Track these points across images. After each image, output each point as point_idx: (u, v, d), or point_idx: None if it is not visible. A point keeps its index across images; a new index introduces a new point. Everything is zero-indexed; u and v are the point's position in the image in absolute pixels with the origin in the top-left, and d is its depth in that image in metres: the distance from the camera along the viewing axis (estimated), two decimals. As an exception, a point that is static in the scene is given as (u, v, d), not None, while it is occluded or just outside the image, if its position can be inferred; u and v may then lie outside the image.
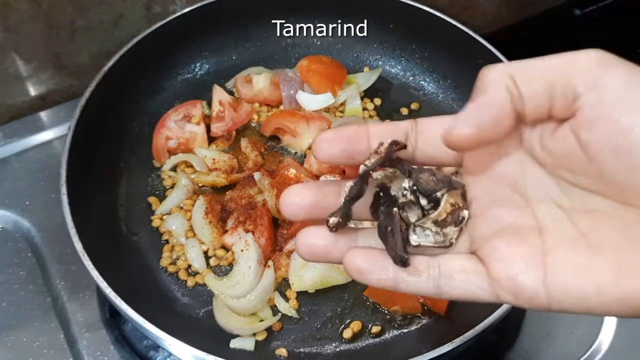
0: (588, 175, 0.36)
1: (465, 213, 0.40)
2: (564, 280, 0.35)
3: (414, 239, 0.40)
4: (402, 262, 0.39)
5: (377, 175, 0.41)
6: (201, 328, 0.78)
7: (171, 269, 0.84)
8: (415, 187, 0.40)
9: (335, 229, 0.41)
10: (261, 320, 0.79)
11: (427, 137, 0.41)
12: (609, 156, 0.34)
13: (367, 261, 0.40)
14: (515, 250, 0.37)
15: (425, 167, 0.41)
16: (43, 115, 1.04)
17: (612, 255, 0.34)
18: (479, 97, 0.37)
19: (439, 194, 0.39)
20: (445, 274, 0.39)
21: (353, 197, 0.41)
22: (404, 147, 0.40)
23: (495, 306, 0.69)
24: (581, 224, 0.37)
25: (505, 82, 0.36)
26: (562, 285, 0.35)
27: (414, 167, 0.41)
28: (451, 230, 0.40)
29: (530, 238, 0.38)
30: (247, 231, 0.84)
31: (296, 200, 0.42)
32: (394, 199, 0.41)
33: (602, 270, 0.34)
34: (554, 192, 0.38)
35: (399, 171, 0.41)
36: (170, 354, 0.80)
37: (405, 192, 0.40)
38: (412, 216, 0.41)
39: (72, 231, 0.72)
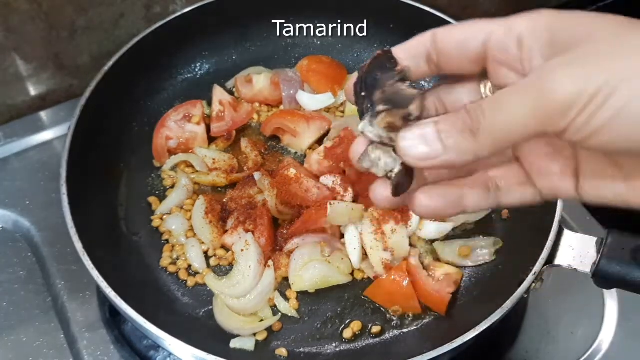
0: None
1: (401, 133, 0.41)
2: (592, 188, 0.42)
3: (360, 126, 0.41)
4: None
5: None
6: (201, 328, 0.78)
7: (171, 268, 0.84)
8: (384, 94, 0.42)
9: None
10: (261, 320, 0.79)
11: (446, 57, 0.43)
12: None
13: (433, 198, 0.43)
14: (552, 165, 0.43)
15: (412, 79, 0.43)
16: (43, 115, 1.04)
17: (627, 173, 0.40)
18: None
19: (381, 107, 0.41)
20: (506, 189, 0.45)
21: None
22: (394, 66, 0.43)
23: (495, 307, 0.69)
24: None
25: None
26: (591, 192, 0.42)
27: (400, 71, 0.42)
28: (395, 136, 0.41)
29: (564, 151, 0.42)
30: (247, 231, 0.84)
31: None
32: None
33: (619, 183, 0.41)
34: None
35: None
36: (170, 354, 0.80)
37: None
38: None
39: (72, 231, 0.72)
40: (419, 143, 0.39)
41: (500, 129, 0.37)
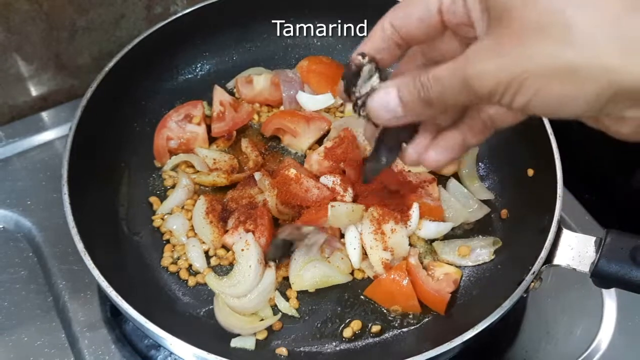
0: None
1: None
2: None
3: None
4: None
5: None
6: (202, 327, 0.79)
7: (172, 268, 0.84)
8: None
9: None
10: (262, 320, 0.80)
11: (412, 36, 0.49)
12: None
13: (441, 151, 0.51)
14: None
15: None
16: (44, 115, 1.04)
17: None
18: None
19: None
20: (499, 119, 0.51)
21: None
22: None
23: (495, 306, 0.69)
24: None
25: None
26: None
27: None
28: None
29: None
30: (247, 231, 0.84)
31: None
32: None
33: None
34: None
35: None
36: (171, 353, 0.80)
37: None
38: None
39: (74, 231, 0.72)
40: (383, 108, 0.47)
41: (446, 99, 0.44)
